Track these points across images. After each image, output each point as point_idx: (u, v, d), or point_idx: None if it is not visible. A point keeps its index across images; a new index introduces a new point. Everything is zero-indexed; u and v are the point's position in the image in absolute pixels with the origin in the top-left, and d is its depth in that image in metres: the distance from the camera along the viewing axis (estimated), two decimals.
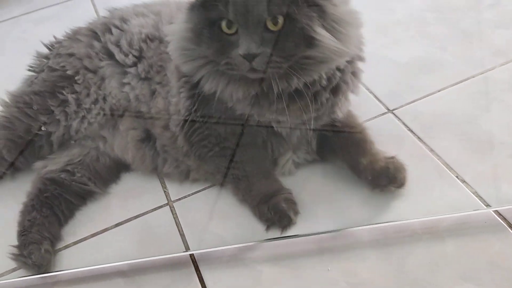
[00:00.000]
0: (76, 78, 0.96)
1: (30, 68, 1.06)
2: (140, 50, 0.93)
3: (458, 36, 1.22)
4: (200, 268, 0.82)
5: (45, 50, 1.07)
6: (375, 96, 1.09)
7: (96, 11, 1.56)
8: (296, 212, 0.86)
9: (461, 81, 1.08)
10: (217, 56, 0.74)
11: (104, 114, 0.96)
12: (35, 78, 1.02)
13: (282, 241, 0.84)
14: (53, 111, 0.95)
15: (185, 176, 0.95)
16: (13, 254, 0.85)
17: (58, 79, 0.97)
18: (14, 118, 0.96)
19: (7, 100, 1.01)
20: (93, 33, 0.99)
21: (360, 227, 0.82)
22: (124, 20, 0.98)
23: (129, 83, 0.94)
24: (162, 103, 0.91)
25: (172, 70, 0.89)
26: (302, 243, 0.83)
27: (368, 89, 1.10)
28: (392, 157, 0.86)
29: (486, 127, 0.97)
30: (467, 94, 1.05)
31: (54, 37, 1.09)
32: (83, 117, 0.96)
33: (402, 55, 1.19)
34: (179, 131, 0.89)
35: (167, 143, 0.93)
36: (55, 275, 0.85)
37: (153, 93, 0.92)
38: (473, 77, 1.09)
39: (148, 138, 0.95)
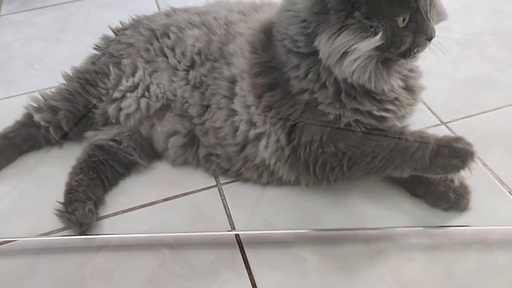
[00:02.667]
0: (125, 61, 1.00)
1: (96, 47, 1.11)
2: (192, 61, 0.95)
3: None
4: (245, 249, 0.83)
5: (111, 33, 1.12)
6: (429, 108, 1.10)
7: (157, 5, 1.61)
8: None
9: None
10: (394, 46, 0.74)
11: (139, 109, 0.97)
12: (98, 58, 1.07)
13: (329, 233, 0.84)
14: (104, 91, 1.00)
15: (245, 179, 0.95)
16: (58, 210, 0.89)
17: (112, 63, 1.01)
18: (76, 92, 1.01)
19: (70, 74, 1.06)
20: (153, 32, 1.02)
21: (410, 228, 0.82)
22: (180, 28, 1.00)
23: (179, 83, 0.95)
24: (221, 123, 0.91)
25: (248, 89, 0.87)
26: (349, 238, 0.83)
27: (422, 101, 1.10)
28: (453, 178, 0.84)
29: None
30: None
31: (121, 22, 1.13)
32: (118, 105, 0.99)
33: (459, 72, 1.19)
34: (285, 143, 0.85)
35: (225, 153, 0.93)
36: (104, 238, 0.87)
37: (206, 107, 0.92)
38: None
39: (191, 142, 0.96)
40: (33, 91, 1.16)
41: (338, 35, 0.73)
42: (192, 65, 0.95)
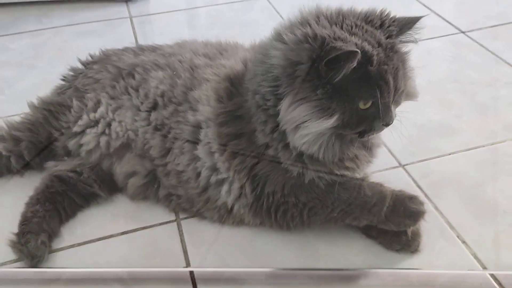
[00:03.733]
0: (89, 95, 1.02)
1: (64, 79, 1.13)
2: (155, 103, 0.96)
3: (474, 108, 1.27)
4: (198, 286, 0.84)
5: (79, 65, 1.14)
6: (389, 151, 1.13)
7: (134, 34, 1.64)
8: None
9: (472, 148, 1.12)
10: (350, 127, 0.78)
11: (98, 146, 0.98)
12: (64, 90, 1.08)
13: (282, 272, 0.85)
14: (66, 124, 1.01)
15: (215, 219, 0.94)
16: (11, 241, 0.89)
17: (77, 98, 1.03)
18: (39, 123, 1.02)
19: (35, 104, 1.07)
20: (119, 70, 1.03)
21: (356, 271, 0.84)
22: (145, 69, 1.01)
23: (140, 123, 0.96)
24: (183, 166, 0.91)
25: (213, 137, 0.88)
26: (302, 277, 0.85)
27: (383, 143, 1.14)
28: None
29: (491, 195, 1.00)
30: (477, 162, 1.09)
31: (90, 55, 1.15)
32: (78, 141, 0.99)
33: (419, 117, 1.23)
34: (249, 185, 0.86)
35: (188, 194, 0.93)
36: (56, 271, 0.87)
37: (167, 149, 0.93)
38: (484, 146, 1.13)
39: (152, 182, 0.96)
40: None
41: (297, 106, 0.75)
42: (154, 107, 0.96)
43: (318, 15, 0.79)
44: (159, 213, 0.98)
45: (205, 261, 0.88)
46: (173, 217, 0.97)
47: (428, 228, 0.91)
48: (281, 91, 0.77)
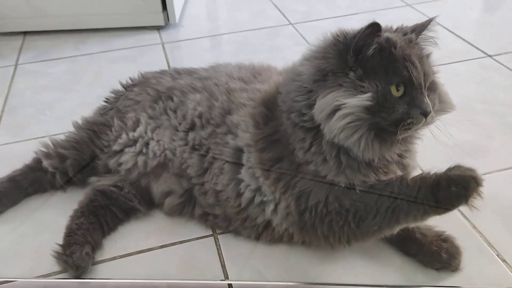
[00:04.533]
0: (129, 115, 1.06)
1: (106, 100, 1.18)
2: (192, 123, 0.99)
3: (505, 128, 1.27)
4: None
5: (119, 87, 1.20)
6: (421, 169, 1.13)
7: (166, 59, 1.71)
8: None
9: (508, 168, 1.12)
10: (385, 112, 0.77)
11: (136, 166, 1.01)
12: (107, 110, 1.14)
13: (319, 287, 0.86)
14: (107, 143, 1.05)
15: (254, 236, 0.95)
16: (56, 252, 0.92)
17: (118, 118, 1.07)
18: (83, 142, 1.07)
19: (80, 123, 1.12)
20: (158, 93, 1.08)
21: (399, 286, 0.84)
22: (183, 92, 1.05)
23: (178, 143, 0.99)
24: (222, 186, 0.93)
25: (256, 163, 0.89)
26: None
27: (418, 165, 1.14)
28: (445, 238, 0.88)
29: None
30: None
31: (130, 78, 1.21)
32: (118, 160, 1.03)
33: (450, 137, 1.24)
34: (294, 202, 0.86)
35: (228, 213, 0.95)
36: (99, 282, 0.89)
37: (205, 169, 0.95)
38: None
39: (188, 201, 0.99)
40: (41, 137, 1.23)
41: (330, 93, 0.78)
42: (192, 128, 0.99)
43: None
44: (196, 228, 1.00)
45: (243, 274, 0.89)
46: (210, 232, 0.99)
47: (468, 247, 0.91)
48: (314, 97, 0.80)
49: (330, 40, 0.82)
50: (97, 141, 1.06)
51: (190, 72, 1.15)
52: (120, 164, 1.03)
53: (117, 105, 1.12)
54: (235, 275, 0.89)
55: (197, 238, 0.98)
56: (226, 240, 0.97)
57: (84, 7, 1.86)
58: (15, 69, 1.68)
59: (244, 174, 0.90)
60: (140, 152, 1.01)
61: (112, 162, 1.04)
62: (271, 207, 0.89)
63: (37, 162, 1.08)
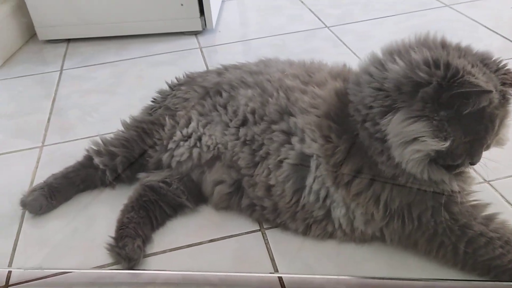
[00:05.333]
0: (180, 113, 1.08)
1: (153, 100, 1.21)
2: (244, 119, 1.00)
3: None
4: None
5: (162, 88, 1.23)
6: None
7: (205, 63, 1.74)
8: None
9: None
10: (450, 157, 0.79)
11: (191, 158, 1.03)
12: (154, 110, 1.16)
13: (371, 281, 0.85)
14: (159, 141, 1.07)
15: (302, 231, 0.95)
16: (109, 245, 0.94)
17: (170, 116, 1.09)
18: (132, 140, 1.09)
19: (128, 122, 1.15)
20: (206, 89, 1.10)
21: (458, 281, 0.83)
22: (232, 86, 1.06)
23: (230, 137, 1.00)
24: (276, 181, 0.93)
25: (327, 174, 0.88)
26: (392, 287, 0.84)
27: None
28: None
29: None
30: None
31: (176, 78, 1.23)
32: (172, 154, 1.05)
33: None
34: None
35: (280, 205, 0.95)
36: (152, 274, 0.91)
37: (256, 162, 0.96)
38: None
39: (236, 191, 1.00)
40: (87, 137, 1.26)
41: (415, 122, 0.76)
42: (243, 123, 1.00)
43: (444, 44, 0.82)
44: (243, 223, 1.01)
45: (292, 268, 0.89)
46: (257, 227, 1.00)
47: None
48: (393, 105, 0.78)
49: (437, 63, 0.77)
50: (147, 139, 1.08)
51: (237, 66, 1.16)
52: (173, 157, 1.05)
53: (165, 104, 1.14)
54: (285, 269, 0.89)
55: (245, 233, 0.99)
56: (274, 235, 0.97)
57: (125, 14, 1.91)
58: (60, 74, 1.74)
59: (310, 180, 0.90)
60: (194, 146, 1.03)
61: (165, 157, 1.06)
62: (341, 211, 0.89)
63: (88, 159, 1.12)
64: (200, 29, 1.95)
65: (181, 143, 1.04)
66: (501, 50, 1.59)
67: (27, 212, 1.08)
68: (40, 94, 1.62)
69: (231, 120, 1.01)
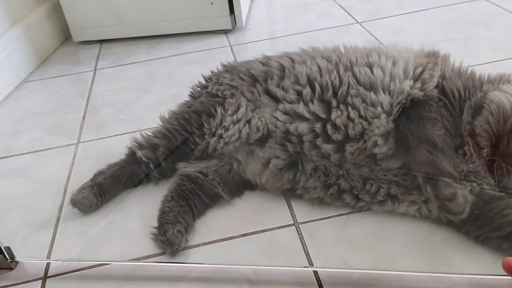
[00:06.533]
0: (230, 100, 1.07)
1: (191, 94, 1.20)
2: (310, 83, 1.00)
3: None
4: (324, 287, 0.83)
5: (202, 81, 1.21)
6: None
7: (235, 60, 1.73)
8: None
9: None
10: None
11: (239, 137, 1.03)
12: (195, 101, 1.15)
13: (409, 275, 0.83)
14: (203, 128, 1.07)
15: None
16: (153, 234, 0.97)
17: (216, 103, 1.08)
18: (174, 130, 1.09)
19: (167, 116, 1.15)
20: (254, 78, 1.08)
21: (495, 277, 0.79)
22: (284, 69, 1.05)
23: (282, 112, 1.00)
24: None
25: None
26: (430, 282, 0.81)
27: None
28: None
29: None
30: None
31: (211, 71, 1.22)
32: (220, 136, 1.05)
33: None
34: None
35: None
36: (186, 266, 0.91)
37: (329, 110, 0.96)
38: None
39: (291, 165, 1.00)
40: (121, 134, 1.32)
41: None
42: (310, 86, 0.99)
43: None
44: (277, 218, 1.00)
45: (328, 262, 0.88)
46: (290, 221, 0.99)
47: None
48: None
49: None
50: (189, 127, 1.07)
51: (280, 55, 1.15)
52: (221, 139, 1.05)
53: (208, 91, 1.13)
54: (320, 263, 0.88)
55: (279, 227, 0.98)
56: (308, 229, 0.96)
57: (156, 14, 1.94)
58: (94, 73, 1.78)
59: None
60: (243, 127, 1.03)
61: (213, 141, 1.05)
62: None
63: (131, 155, 1.12)
64: (230, 27, 1.96)
65: (231, 125, 1.04)
66: None
67: (64, 206, 1.10)
68: (75, 93, 1.66)
69: (287, 92, 1.01)
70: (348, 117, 0.94)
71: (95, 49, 1.98)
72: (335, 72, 0.99)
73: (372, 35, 1.78)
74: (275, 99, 1.03)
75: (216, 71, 1.21)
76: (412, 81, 0.93)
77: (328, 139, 0.96)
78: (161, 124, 1.14)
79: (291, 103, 1.00)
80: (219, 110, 1.06)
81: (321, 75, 1.00)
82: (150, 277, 0.90)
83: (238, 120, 1.04)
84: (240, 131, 1.04)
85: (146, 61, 1.83)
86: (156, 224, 0.98)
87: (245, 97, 1.06)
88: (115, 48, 1.97)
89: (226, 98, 1.08)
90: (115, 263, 0.93)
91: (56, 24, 2.04)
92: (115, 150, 1.27)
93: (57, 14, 2.01)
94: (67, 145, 1.35)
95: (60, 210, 1.10)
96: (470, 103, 0.91)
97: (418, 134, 0.87)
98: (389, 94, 0.93)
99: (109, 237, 1.01)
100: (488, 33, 1.66)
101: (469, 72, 0.99)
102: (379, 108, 0.92)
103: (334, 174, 0.97)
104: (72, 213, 1.08)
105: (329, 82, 0.98)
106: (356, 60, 1.01)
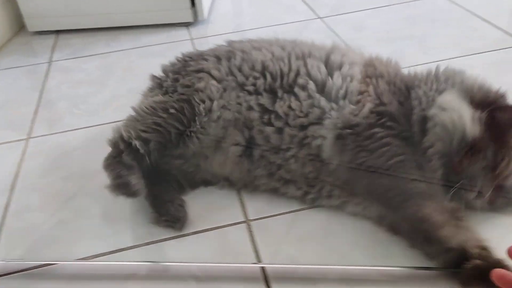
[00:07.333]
0: (202, 87, 1.03)
1: (157, 80, 1.14)
2: (263, 73, 1.00)
3: None
4: (271, 284, 0.84)
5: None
6: None
7: None
8: None
9: None
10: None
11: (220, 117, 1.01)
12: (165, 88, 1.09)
13: (357, 270, 0.84)
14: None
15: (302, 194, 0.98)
16: (153, 219, 0.97)
17: (192, 93, 1.03)
18: (167, 124, 1.01)
19: (148, 108, 1.04)
20: (217, 57, 1.08)
21: (433, 270, 0.82)
22: (244, 51, 1.06)
23: (244, 97, 1.00)
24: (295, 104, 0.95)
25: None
26: (368, 273, 0.83)
27: None
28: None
29: None
30: None
31: (177, 59, 1.17)
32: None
33: None
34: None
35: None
36: (134, 265, 0.90)
37: (274, 101, 0.98)
38: None
39: (247, 153, 1.00)
40: (75, 129, 1.30)
41: None
42: (264, 77, 1.00)
43: None
44: (228, 215, 1.00)
45: (276, 259, 0.89)
46: (242, 218, 0.99)
47: None
48: None
49: None
50: (184, 118, 1.02)
51: (242, 41, 1.16)
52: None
53: (181, 82, 1.06)
54: (269, 260, 0.89)
55: (230, 225, 0.98)
56: (259, 226, 0.96)
57: (115, 5, 1.89)
58: (49, 65, 1.73)
59: None
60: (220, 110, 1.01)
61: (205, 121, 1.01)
62: None
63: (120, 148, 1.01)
64: (191, 20, 1.93)
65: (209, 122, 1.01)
66: (496, 41, 1.58)
67: (11, 204, 1.06)
68: (29, 86, 1.61)
69: (247, 79, 1.01)
70: (290, 107, 0.96)
71: (50, 40, 1.92)
72: (286, 59, 1.01)
73: (333, 31, 1.79)
74: (237, 82, 1.02)
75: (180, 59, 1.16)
76: (351, 106, 0.94)
77: (271, 125, 0.97)
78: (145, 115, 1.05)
79: (249, 94, 1.00)
80: (194, 99, 1.02)
81: (273, 63, 1.01)
82: (98, 276, 0.89)
83: (210, 111, 1.01)
84: (213, 121, 1.01)
85: (105, 53, 1.79)
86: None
87: (212, 76, 1.03)
88: (72, 39, 1.91)
89: (195, 84, 1.03)
90: (61, 263, 0.91)
91: (10, 12, 1.96)
92: (68, 146, 1.25)
93: (11, 1, 1.94)
94: (16, 140, 1.30)
95: (6, 208, 1.06)
96: (412, 122, 0.91)
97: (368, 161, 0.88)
98: (336, 108, 0.95)
99: (57, 236, 0.98)
100: (445, 31, 1.70)
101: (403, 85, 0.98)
102: (326, 117, 0.94)
103: (275, 162, 0.98)
104: (18, 211, 1.05)
105: (279, 70, 0.99)
106: (310, 53, 1.02)
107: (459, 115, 0.86)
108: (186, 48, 1.76)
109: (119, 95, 1.48)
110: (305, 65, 1.00)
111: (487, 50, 1.54)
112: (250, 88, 1.01)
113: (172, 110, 1.02)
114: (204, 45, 1.78)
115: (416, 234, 0.84)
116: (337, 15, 1.93)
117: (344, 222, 0.95)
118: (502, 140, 0.86)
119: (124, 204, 1.02)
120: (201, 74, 1.05)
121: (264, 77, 1.01)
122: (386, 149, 0.88)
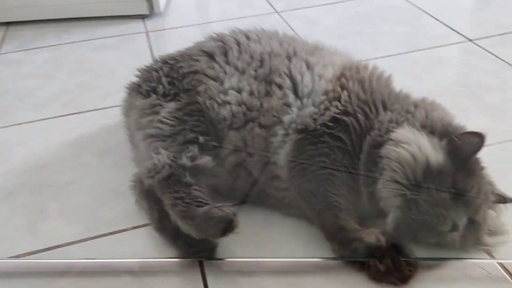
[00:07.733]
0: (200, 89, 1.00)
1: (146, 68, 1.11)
2: (262, 60, 1.00)
3: (483, 109, 1.27)
4: (207, 277, 0.85)
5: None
6: None
7: (150, 48, 1.70)
8: None
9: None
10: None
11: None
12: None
13: (292, 262, 0.86)
14: None
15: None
16: (189, 225, 0.84)
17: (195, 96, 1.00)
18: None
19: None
20: (208, 54, 1.05)
21: None
22: (239, 43, 1.06)
23: (244, 84, 0.98)
24: (276, 103, 0.95)
25: None
26: (303, 264, 0.85)
27: None
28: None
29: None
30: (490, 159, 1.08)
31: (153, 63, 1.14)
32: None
33: None
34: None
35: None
36: (69, 263, 0.89)
37: (267, 92, 0.96)
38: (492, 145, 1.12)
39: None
40: (23, 123, 1.26)
41: None
42: (261, 65, 1.00)
43: None
44: None
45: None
46: None
47: None
48: None
49: None
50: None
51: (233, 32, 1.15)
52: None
53: (180, 86, 1.02)
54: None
55: None
56: None
57: None
58: None
59: None
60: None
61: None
62: None
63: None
64: (147, 12, 1.91)
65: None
66: (441, 37, 1.63)
67: None
68: None
69: (249, 65, 1.01)
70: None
71: (0, 32, 1.87)
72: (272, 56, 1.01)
73: (289, 25, 1.80)
74: (237, 69, 1.01)
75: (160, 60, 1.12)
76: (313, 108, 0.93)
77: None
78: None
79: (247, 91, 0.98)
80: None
81: (270, 57, 1.01)
82: (31, 273, 0.88)
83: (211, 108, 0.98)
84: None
85: (55, 45, 1.75)
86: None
87: (209, 77, 1.01)
88: (22, 31, 1.86)
89: (197, 87, 1.01)
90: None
91: None
92: (10, 141, 1.22)
93: None
94: None
95: None
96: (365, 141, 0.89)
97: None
98: (299, 107, 0.95)
99: None
100: (395, 28, 1.73)
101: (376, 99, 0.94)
102: (288, 112, 0.94)
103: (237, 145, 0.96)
104: None
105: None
106: (296, 53, 1.02)
107: (418, 146, 0.83)
108: (140, 41, 1.75)
109: (67, 90, 1.45)
110: (289, 64, 0.99)
111: (433, 46, 1.58)
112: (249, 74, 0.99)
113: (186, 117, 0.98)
114: (160, 38, 1.79)
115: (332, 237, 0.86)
116: (293, 9, 1.94)
117: (282, 217, 0.96)
118: (467, 167, 0.84)
119: (63, 201, 1.02)
120: (197, 76, 1.02)
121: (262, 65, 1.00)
122: (324, 159, 0.88)
